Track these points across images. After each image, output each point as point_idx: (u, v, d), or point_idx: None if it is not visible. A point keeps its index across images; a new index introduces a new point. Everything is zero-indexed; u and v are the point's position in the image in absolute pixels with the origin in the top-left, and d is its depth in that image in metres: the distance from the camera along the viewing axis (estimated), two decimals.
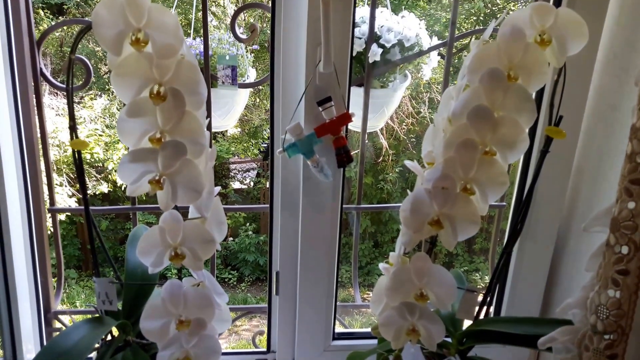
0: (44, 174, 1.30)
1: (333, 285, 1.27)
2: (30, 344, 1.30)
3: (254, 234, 6.85)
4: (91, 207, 1.03)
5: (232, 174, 7.74)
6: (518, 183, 1.26)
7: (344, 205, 1.24)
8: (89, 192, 5.48)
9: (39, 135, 1.26)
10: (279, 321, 1.33)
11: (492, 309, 1.33)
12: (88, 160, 5.60)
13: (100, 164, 5.77)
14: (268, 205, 1.29)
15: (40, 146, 1.27)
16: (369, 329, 1.38)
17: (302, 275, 1.26)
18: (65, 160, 5.41)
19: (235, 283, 6.69)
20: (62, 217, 5.58)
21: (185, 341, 0.93)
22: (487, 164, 0.87)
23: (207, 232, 0.89)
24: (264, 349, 1.41)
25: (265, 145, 7.74)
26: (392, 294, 0.93)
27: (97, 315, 1.05)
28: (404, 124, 6.18)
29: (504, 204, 1.40)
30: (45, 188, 1.31)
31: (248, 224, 6.99)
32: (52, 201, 1.38)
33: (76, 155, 0.98)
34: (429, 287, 0.92)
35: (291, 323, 1.32)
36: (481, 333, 1.03)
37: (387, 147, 6.20)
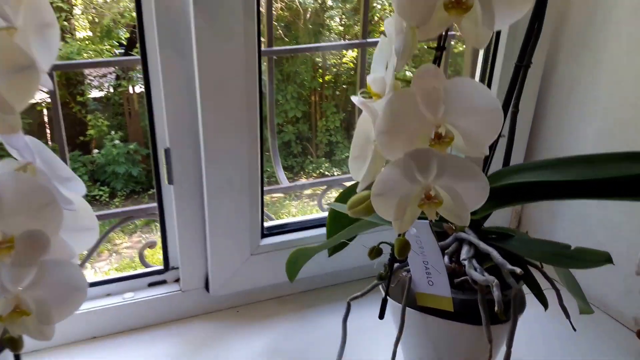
0: None
1: (257, 158, 0.85)
2: None
3: (121, 143, 6.23)
4: None
5: (88, 80, 6.88)
6: None
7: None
8: None
9: None
10: (178, 223, 0.89)
11: None
12: None
13: None
14: (139, 57, 0.83)
15: None
16: (307, 217, 0.99)
17: (208, 148, 0.82)
18: None
19: (107, 199, 6.09)
20: None
21: (9, 278, 0.47)
22: None
23: (19, 48, 0.42)
24: (160, 267, 0.98)
25: (124, 47, 6.90)
26: (389, 140, 0.52)
27: None
28: None
29: None
30: None
31: (113, 132, 6.34)
32: None
33: None
34: (452, 120, 0.51)
35: (198, 223, 0.89)
36: (507, 191, 0.67)
37: None
